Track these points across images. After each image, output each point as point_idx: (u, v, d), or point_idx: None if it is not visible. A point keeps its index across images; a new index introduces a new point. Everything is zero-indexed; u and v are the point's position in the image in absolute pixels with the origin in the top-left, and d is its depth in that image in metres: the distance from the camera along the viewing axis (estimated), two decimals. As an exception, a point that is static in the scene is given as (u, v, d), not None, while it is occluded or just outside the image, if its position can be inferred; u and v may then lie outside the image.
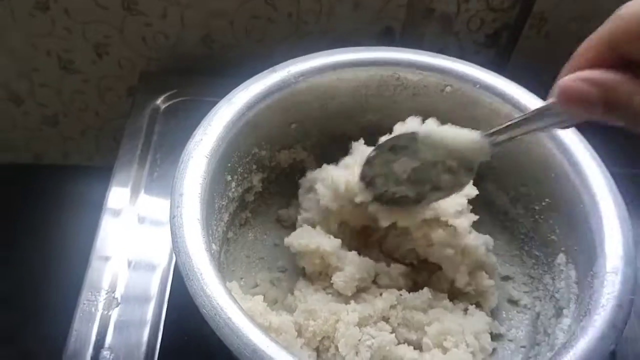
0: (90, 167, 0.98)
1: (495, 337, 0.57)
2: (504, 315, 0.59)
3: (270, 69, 0.56)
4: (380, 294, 0.55)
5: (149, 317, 0.57)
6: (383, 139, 0.53)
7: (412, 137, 0.50)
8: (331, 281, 0.55)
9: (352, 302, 0.54)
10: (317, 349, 0.52)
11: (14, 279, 0.97)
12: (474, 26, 0.78)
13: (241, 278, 0.60)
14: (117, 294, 0.58)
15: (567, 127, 0.44)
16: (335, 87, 0.59)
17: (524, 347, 0.56)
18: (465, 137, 0.48)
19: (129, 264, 0.60)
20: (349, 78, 0.59)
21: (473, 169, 0.49)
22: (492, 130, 0.47)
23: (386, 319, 0.54)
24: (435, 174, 0.50)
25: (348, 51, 0.58)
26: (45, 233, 0.93)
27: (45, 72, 0.84)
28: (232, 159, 0.55)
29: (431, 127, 0.50)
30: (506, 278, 0.62)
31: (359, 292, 0.55)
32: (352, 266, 0.54)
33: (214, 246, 0.52)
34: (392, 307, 0.54)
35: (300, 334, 0.51)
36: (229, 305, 0.43)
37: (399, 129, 0.52)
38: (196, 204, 0.48)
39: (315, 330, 0.51)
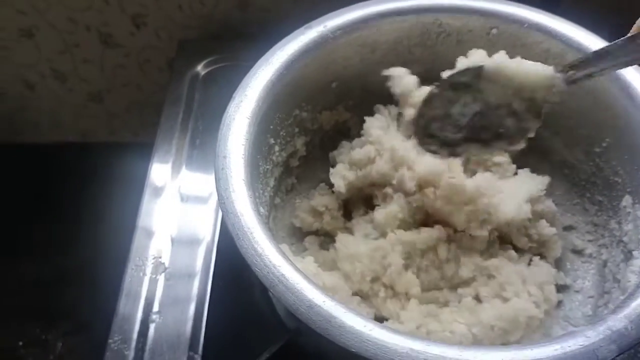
0: (136, 143, 0.99)
1: (561, 288, 0.54)
2: (569, 267, 0.57)
3: (307, 25, 0.55)
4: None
5: (195, 290, 0.57)
6: (445, 74, 0.48)
7: (477, 72, 0.45)
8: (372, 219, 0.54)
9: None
10: (370, 299, 0.50)
11: (69, 255, 0.99)
12: None
13: (292, 244, 0.59)
14: (164, 260, 0.58)
15: None
16: (375, 39, 0.57)
17: (591, 297, 0.54)
18: (538, 72, 0.43)
19: (172, 240, 0.60)
20: (389, 29, 0.57)
21: (541, 113, 0.45)
22: (568, 64, 0.43)
23: (434, 251, 0.52)
24: (498, 119, 0.45)
25: (385, 1, 0.56)
26: (96, 210, 0.95)
27: (86, 47, 0.84)
28: (273, 120, 0.54)
29: (500, 60, 0.45)
30: (569, 228, 0.59)
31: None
32: (394, 204, 0.53)
33: (261, 209, 0.51)
34: (444, 241, 0.52)
35: (351, 283, 0.50)
36: (282, 263, 0.41)
37: (463, 62, 0.47)
38: (240, 165, 0.47)
39: (362, 271, 0.50)
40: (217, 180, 0.46)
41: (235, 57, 0.75)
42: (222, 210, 0.44)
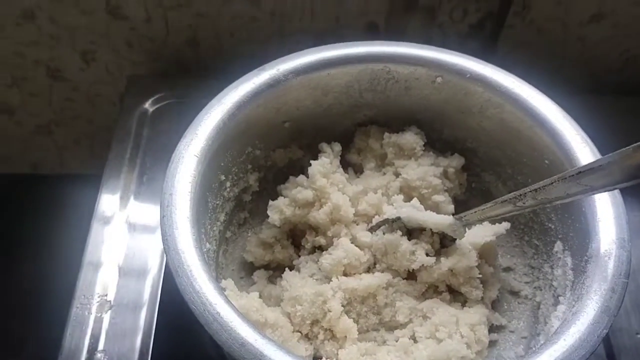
0: (86, 174, 0.99)
1: (496, 328, 0.57)
2: (506, 307, 0.59)
3: (260, 67, 0.57)
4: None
5: (141, 322, 0.58)
6: (374, 220, 0.58)
7: (396, 220, 0.56)
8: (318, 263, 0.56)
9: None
10: (309, 339, 0.52)
11: (15, 289, 0.99)
12: (458, 17, 0.78)
13: (240, 278, 0.61)
14: (110, 297, 0.58)
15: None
16: (326, 83, 0.59)
17: (524, 337, 0.56)
18: (441, 221, 0.54)
19: (120, 270, 0.61)
20: (340, 73, 0.59)
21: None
22: (463, 215, 0.54)
23: (374, 297, 0.54)
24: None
25: (337, 47, 0.58)
26: (43, 242, 0.95)
27: (34, 81, 0.85)
28: (225, 158, 0.56)
29: (411, 213, 0.55)
30: (507, 269, 0.61)
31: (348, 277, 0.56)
32: (340, 250, 0.55)
33: (208, 245, 0.53)
34: (383, 287, 0.54)
35: (291, 323, 0.52)
36: (218, 301, 0.43)
37: (388, 211, 0.58)
38: (186, 202, 0.48)
39: (303, 314, 0.52)
40: (161, 217, 0.48)
41: (184, 95, 0.76)
42: (164, 247, 0.46)
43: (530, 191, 0.46)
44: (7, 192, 0.99)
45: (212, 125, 0.53)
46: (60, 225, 0.89)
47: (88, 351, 0.55)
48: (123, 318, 0.58)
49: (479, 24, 0.79)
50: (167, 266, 0.61)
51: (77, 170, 1.01)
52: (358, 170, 0.65)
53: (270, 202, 0.59)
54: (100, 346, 0.55)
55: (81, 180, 0.88)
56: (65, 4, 0.75)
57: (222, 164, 0.56)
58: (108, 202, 0.66)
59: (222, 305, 0.43)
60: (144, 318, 0.58)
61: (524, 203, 0.47)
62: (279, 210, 0.58)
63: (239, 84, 0.56)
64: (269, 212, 0.59)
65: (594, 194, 0.45)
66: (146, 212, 0.66)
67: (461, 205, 0.62)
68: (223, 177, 0.57)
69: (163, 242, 0.46)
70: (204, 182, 0.52)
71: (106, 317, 0.57)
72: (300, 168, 0.64)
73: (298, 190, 0.58)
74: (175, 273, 0.44)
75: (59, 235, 0.87)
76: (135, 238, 0.64)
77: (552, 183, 0.44)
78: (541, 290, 0.57)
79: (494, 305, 0.58)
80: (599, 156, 0.50)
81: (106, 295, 0.59)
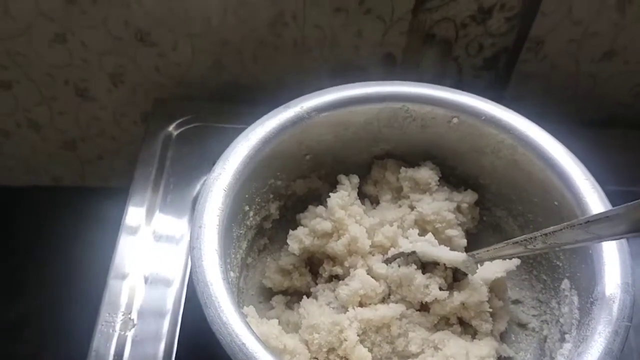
0: (106, 188, 1.03)
1: (504, 359, 0.59)
2: (513, 339, 0.61)
3: (284, 105, 0.60)
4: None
5: (164, 331, 0.61)
6: (390, 253, 0.61)
7: (413, 253, 0.59)
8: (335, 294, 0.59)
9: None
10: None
11: (35, 301, 1.02)
12: (473, 51, 0.81)
13: (259, 302, 0.63)
14: (134, 314, 0.62)
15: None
16: (347, 120, 0.62)
17: (531, 369, 0.58)
18: (454, 258, 0.57)
19: (146, 280, 0.65)
20: (362, 111, 0.62)
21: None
22: (476, 252, 0.57)
23: (388, 327, 0.57)
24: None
25: (359, 86, 0.61)
26: (65, 253, 0.97)
27: (63, 100, 0.89)
28: (249, 190, 0.59)
29: (426, 248, 0.58)
30: (516, 302, 0.64)
31: (363, 307, 0.58)
32: (357, 281, 0.58)
33: (232, 274, 0.56)
34: (397, 318, 0.57)
35: (309, 350, 0.55)
36: (243, 332, 0.46)
37: (404, 244, 0.61)
38: (214, 235, 0.51)
39: (320, 342, 0.54)
40: (191, 248, 0.51)
41: (208, 119, 0.79)
42: (193, 279, 0.49)
43: (541, 235, 0.49)
44: (31, 203, 1.02)
45: (239, 160, 0.56)
46: (81, 236, 0.92)
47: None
48: (147, 327, 0.61)
49: (494, 58, 0.82)
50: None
51: (97, 183, 1.04)
52: (374, 201, 0.67)
53: (290, 232, 0.62)
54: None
55: (101, 194, 0.91)
56: (96, 30, 0.79)
57: (247, 196, 0.59)
58: (135, 214, 0.69)
59: (247, 336, 0.46)
60: (166, 327, 0.61)
61: (534, 246, 0.50)
62: (299, 239, 0.61)
63: (265, 120, 0.59)
64: (288, 241, 0.62)
65: (601, 242, 0.48)
66: (171, 224, 0.69)
67: (472, 237, 0.65)
68: (247, 208, 0.60)
69: (192, 274, 0.49)
70: (230, 214, 0.55)
71: (130, 334, 0.60)
72: (318, 196, 0.67)
73: (317, 222, 0.61)
74: (204, 305, 0.47)
75: (80, 245, 0.90)
76: (160, 249, 0.67)
77: (561, 229, 0.47)
78: (548, 324, 0.59)
79: (502, 337, 0.61)
80: (607, 202, 0.53)
81: (130, 313, 0.62)
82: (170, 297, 0.64)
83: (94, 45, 0.81)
